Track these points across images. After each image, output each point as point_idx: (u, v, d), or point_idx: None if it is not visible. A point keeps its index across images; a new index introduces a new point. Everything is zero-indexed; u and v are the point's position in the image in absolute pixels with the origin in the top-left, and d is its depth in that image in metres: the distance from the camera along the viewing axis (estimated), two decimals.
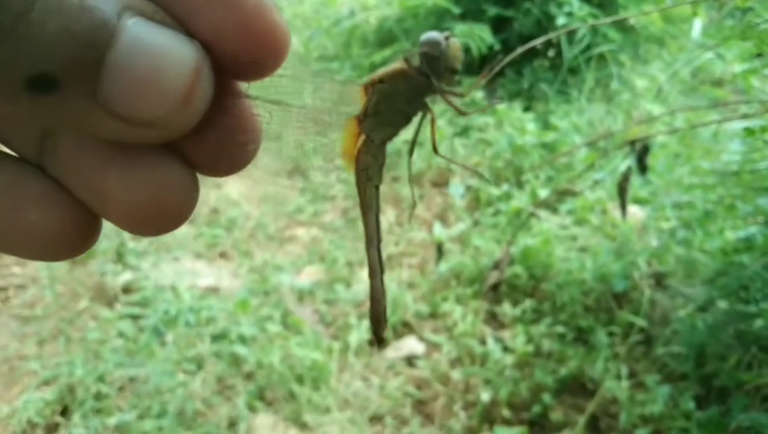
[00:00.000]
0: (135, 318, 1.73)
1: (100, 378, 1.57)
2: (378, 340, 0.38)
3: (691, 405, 1.39)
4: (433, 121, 0.36)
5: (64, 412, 1.53)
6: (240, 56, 0.22)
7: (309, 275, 1.95)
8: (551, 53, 2.83)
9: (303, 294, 1.86)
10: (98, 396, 1.54)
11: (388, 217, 2.13)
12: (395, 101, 0.33)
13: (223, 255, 2.04)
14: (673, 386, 1.46)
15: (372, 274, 0.37)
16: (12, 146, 0.23)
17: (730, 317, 1.52)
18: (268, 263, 1.98)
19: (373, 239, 0.36)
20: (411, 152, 0.39)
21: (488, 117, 2.55)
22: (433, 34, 0.31)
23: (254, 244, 2.08)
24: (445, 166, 2.37)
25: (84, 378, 1.56)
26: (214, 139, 0.24)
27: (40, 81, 0.19)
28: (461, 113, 0.37)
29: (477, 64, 2.86)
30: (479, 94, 2.65)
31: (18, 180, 0.23)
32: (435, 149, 0.38)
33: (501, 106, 2.57)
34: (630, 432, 1.40)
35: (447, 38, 0.32)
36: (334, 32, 3.37)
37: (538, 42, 1.39)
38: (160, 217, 0.23)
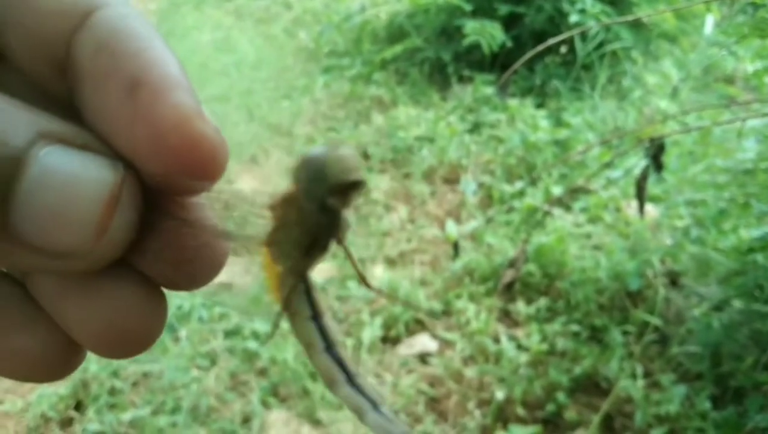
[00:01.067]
0: None
1: (114, 374, 1.58)
2: None
3: (707, 405, 1.38)
4: (349, 255, 0.29)
5: (78, 407, 1.54)
6: (166, 174, 0.20)
7: (321, 271, 1.94)
8: (563, 50, 2.82)
9: None
10: (112, 392, 1.54)
11: (399, 214, 2.13)
12: (290, 231, 0.27)
13: (235, 251, 2.04)
14: (688, 386, 1.46)
15: (358, 413, 0.28)
16: None
17: (746, 316, 1.51)
18: None
19: (333, 381, 0.29)
20: (361, 282, 0.30)
21: (500, 113, 2.54)
22: (314, 150, 0.24)
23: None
24: (456, 163, 2.37)
25: (98, 373, 1.57)
26: (167, 257, 0.22)
27: None
28: (363, 281, 0.30)
29: (488, 61, 2.85)
30: (491, 91, 2.64)
31: (3, 303, 0.22)
32: (364, 282, 0.30)
33: (513, 102, 2.56)
34: (645, 432, 1.40)
35: (338, 148, 0.24)
36: (344, 28, 3.36)
37: (554, 41, 1.39)
38: (123, 343, 0.22)
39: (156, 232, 0.22)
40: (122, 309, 0.22)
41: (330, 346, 0.29)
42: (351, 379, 0.28)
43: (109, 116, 0.20)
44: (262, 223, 0.27)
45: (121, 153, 0.20)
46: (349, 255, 0.29)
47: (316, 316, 0.29)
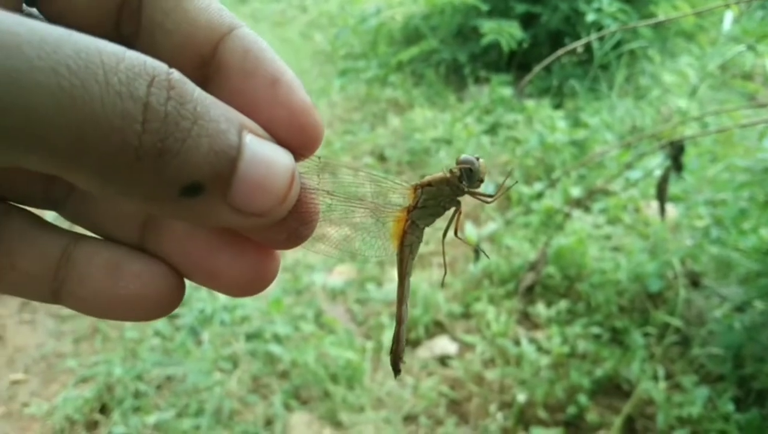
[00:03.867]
0: (171, 317, 1.75)
1: (138, 377, 1.60)
2: (396, 370, 0.48)
3: (729, 407, 1.37)
4: (460, 213, 0.47)
5: (103, 410, 1.56)
6: (291, 145, 0.28)
7: (340, 274, 1.96)
8: (580, 49, 2.81)
9: (335, 294, 1.87)
10: (137, 395, 1.56)
11: None
12: (439, 199, 0.44)
13: None
14: (710, 387, 1.45)
15: (399, 322, 0.47)
16: (115, 236, 0.31)
17: None
18: (300, 262, 1.99)
19: (406, 297, 0.47)
20: (445, 234, 0.49)
21: (517, 114, 2.54)
22: (470, 157, 0.44)
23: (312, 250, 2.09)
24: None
25: (122, 376, 1.59)
26: (293, 220, 0.30)
27: (191, 188, 0.24)
28: (487, 202, 0.48)
29: (505, 62, 2.85)
30: (508, 91, 2.64)
31: (120, 260, 0.29)
32: (456, 232, 0.48)
33: (530, 103, 2.56)
34: None
35: (478, 159, 0.44)
36: (360, 30, 3.37)
37: (574, 45, 1.38)
38: (260, 282, 0.30)
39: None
40: (261, 259, 0.30)
41: (408, 300, 0.47)
42: (408, 301, 0.47)
43: (255, 101, 0.28)
44: (397, 196, 0.44)
45: (262, 127, 0.27)
46: (458, 216, 0.47)
47: (414, 259, 0.46)
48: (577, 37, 2.63)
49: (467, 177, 0.44)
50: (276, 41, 3.54)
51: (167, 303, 0.30)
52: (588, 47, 2.76)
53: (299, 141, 0.29)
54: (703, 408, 1.39)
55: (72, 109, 0.21)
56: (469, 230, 2.01)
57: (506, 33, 2.68)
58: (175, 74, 0.23)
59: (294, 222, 0.30)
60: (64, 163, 0.22)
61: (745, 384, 1.44)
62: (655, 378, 1.51)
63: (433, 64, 3.02)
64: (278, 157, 0.26)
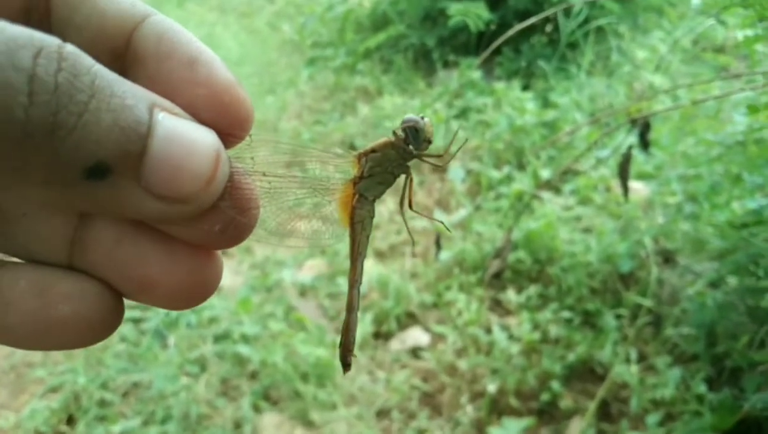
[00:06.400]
0: (136, 321, 1.71)
1: (104, 385, 1.56)
2: (345, 364, 0.45)
3: (702, 387, 1.36)
4: (411, 180, 0.44)
5: (70, 421, 1.52)
6: (212, 126, 0.26)
7: (311, 269, 1.92)
8: (548, 28, 2.77)
9: (305, 289, 1.83)
10: (102, 404, 1.52)
11: (388, 205, 2.10)
12: (386, 165, 0.41)
13: (223, 252, 2.01)
14: (684, 368, 1.43)
15: (350, 310, 0.44)
16: (41, 258, 0.27)
17: (741, 294, 1.48)
18: (269, 259, 1.95)
19: (357, 280, 0.44)
20: (402, 204, 0.46)
21: (486, 97, 2.50)
22: (414, 116, 0.41)
23: (255, 240, 2.05)
24: (444, 150, 2.33)
25: (87, 385, 1.55)
26: (227, 209, 0.28)
27: (96, 169, 0.22)
28: (438, 166, 0.45)
29: (473, 45, 2.81)
30: (477, 75, 2.60)
31: (47, 281, 0.26)
32: (410, 204, 0.45)
33: (499, 85, 2.52)
34: (641, 417, 1.37)
35: (423, 118, 0.41)
36: (327, 18, 3.32)
37: (536, 19, 1.35)
38: (200, 291, 0.28)
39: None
40: (200, 264, 0.28)
41: (364, 258, 0.43)
42: (359, 285, 0.44)
43: (173, 83, 0.26)
44: (341, 169, 0.41)
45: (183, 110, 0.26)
46: (410, 183, 0.44)
47: (368, 235, 0.43)
48: (546, 17, 2.59)
49: (413, 138, 0.41)
50: (243, 32, 3.48)
51: (103, 323, 0.27)
52: (557, 26, 2.72)
53: (225, 120, 0.27)
54: (675, 389, 1.38)
55: None
56: (439, 217, 1.97)
57: (473, 14, 2.64)
58: (69, 47, 0.22)
59: (229, 211, 0.28)
60: None
61: (718, 363, 1.42)
62: (628, 360, 1.49)
63: (401, 50, 2.97)
64: (198, 134, 0.25)
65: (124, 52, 0.28)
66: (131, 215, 0.26)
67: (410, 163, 0.42)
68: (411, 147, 0.41)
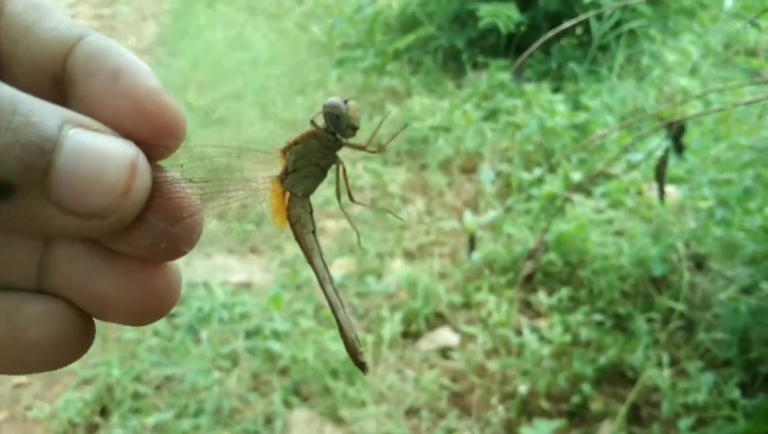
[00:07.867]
0: (169, 316, 1.74)
1: (137, 378, 1.59)
2: (359, 365, 0.41)
3: (736, 393, 1.35)
4: (344, 171, 0.41)
5: (103, 412, 1.55)
6: (140, 139, 0.26)
7: (340, 268, 1.94)
8: (579, 31, 2.76)
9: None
10: (135, 396, 1.55)
11: (417, 206, 2.11)
12: (309, 157, 0.38)
13: (254, 250, 2.04)
14: (716, 373, 1.43)
15: (335, 310, 0.41)
16: (11, 284, 0.27)
17: None
18: (299, 257, 1.97)
19: (325, 278, 0.41)
20: (338, 197, 0.43)
21: (516, 99, 2.50)
22: (335, 99, 0.37)
23: (284, 238, 2.07)
24: (473, 151, 2.34)
25: (121, 378, 1.58)
26: (157, 220, 0.27)
27: (0, 188, 0.22)
28: (372, 153, 0.41)
29: (503, 46, 2.81)
30: (507, 76, 2.60)
31: (15, 305, 0.26)
32: (350, 197, 0.42)
33: (529, 87, 2.52)
34: (673, 422, 1.37)
35: (346, 101, 0.37)
36: (356, 19, 3.33)
37: (570, 24, 1.35)
38: (156, 304, 0.28)
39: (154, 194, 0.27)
40: (152, 279, 0.27)
41: (322, 254, 0.40)
42: (332, 282, 0.40)
43: (98, 99, 0.26)
44: (269, 166, 0.38)
45: (107, 124, 0.25)
46: (344, 174, 0.41)
47: (314, 231, 0.40)
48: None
49: (334, 124, 0.37)
50: (272, 33, 3.51)
51: (74, 344, 0.27)
52: (587, 29, 2.71)
53: (150, 129, 0.26)
54: (708, 394, 1.37)
55: None
56: (469, 219, 1.98)
57: (503, 15, 2.63)
58: None
59: (158, 223, 0.27)
60: None
61: (752, 369, 1.41)
62: (660, 364, 1.48)
63: (430, 51, 2.98)
64: (111, 146, 0.24)
65: (61, 78, 0.27)
66: (53, 233, 0.25)
67: (340, 153, 0.39)
68: (335, 135, 0.38)
